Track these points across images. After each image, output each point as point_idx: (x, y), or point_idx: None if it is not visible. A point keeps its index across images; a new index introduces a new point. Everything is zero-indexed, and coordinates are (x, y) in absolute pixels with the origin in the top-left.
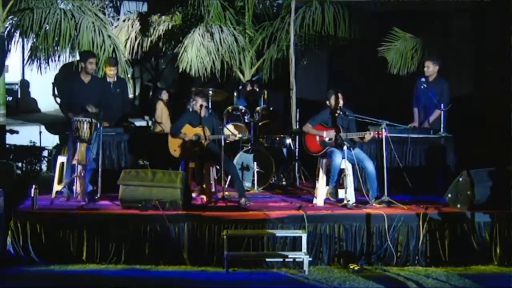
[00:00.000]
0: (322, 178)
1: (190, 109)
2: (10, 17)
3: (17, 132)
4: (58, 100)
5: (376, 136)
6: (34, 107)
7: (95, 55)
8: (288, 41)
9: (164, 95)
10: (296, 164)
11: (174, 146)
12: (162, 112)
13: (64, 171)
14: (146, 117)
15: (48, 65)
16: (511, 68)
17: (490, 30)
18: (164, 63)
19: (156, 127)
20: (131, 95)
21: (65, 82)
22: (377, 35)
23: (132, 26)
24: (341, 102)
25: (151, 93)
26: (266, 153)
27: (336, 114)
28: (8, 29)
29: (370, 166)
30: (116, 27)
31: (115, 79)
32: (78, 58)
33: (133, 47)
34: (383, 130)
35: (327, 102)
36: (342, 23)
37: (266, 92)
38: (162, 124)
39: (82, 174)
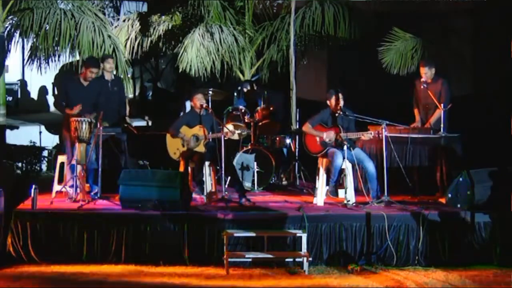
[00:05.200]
0: (322, 178)
1: (189, 109)
2: (10, 17)
3: (17, 128)
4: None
5: (377, 135)
6: (34, 107)
7: (98, 65)
8: (288, 41)
9: None
10: (296, 164)
11: (173, 149)
12: None
13: (64, 172)
14: (146, 117)
15: (48, 65)
16: (511, 68)
17: (490, 30)
18: (164, 63)
19: None
20: (131, 95)
21: (63, 83)
22: (377, 35)
23: (132, 26)
24: (341, 102)
25: (150, 93)
26: (266, 153)
27: (337, 114)
28: (8, 29)
29: (370, 166)
30: (116, 27)
31: (113, 77)
32: (79, 59)
33: (133, 47)
34: (383, 130)
35: (328, 102)
36: (342, 23)
37: (266, 92)
38: None
39: (82, 174)
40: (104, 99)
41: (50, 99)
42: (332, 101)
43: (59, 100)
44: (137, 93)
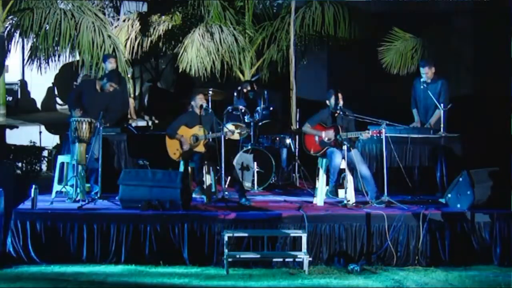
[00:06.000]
0: (322, 178)
1: (191, 109)
2: (10, 17)
3: (16, 127)
4: (60, 101)
5: (376, 134)
6: (34, 107)
7: (119, 82)
8: (288, 41)
9: None
10: (296, 164)
11: (173, 150)
12: None
13: (65, 172)
14: (146, 117)
15: (48, 65)
16: (511, 68)
17: (490, 30)
18: (164, 63)
19: None
20: (131, 95)
21: (80, 84)
22: (377, 35)
23: (132, 26)
24: (341, 102)
25: (149, 94)
26: (266, 153)
27: (336, 114)
28: (8, 29)
29: (363, 169)
30: (116, 27)
31: None
32: (79, 59)
33: (133, 47)
34: (383, 129)
35: (327, 101)
36: (342, 23)
37: (266, 92)
38: None
39: (82, 174)
40: (109, 100)
41: (50, 99)
42: (331, 101)
43: (70, 99)
44: (137, 93)
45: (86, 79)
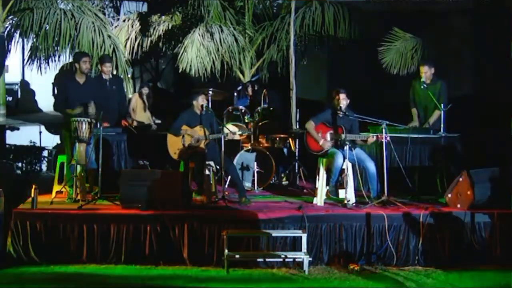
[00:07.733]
0: (322, 178)
1: (191, 109)
2: (10, 17)
3: (17, 129)
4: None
5: (378, 139)
6: (34, 107)
7: (88, 54)
8: (288, 41)
9: (144, 90)
10: (296, 164)
11: (173, 149)
12: (136, 103)
13: (64, 172)
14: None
15: (48, 65)
16: (511, 68)
17: (490, 30)
18: (164, 63)
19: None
20: (130, 95)
21: (61, 84)
22: (377, 35)
23: (132, 26)
24: (343, 103)
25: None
26: (266, 153)
27: (341, 115)
28: (8, 29)
29: (371, 166)
30: (116, 27)
31: (111, 76)
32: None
33: (133, 47)
34: (383, 130)
35: (332, 101)
36: (342, 23)
37: (266, 91)
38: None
39: (82, 174)
40: (103, 99)
41: (50, 99)
42: (334, 101)
43: (58, 101)
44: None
45: (65, 75)
